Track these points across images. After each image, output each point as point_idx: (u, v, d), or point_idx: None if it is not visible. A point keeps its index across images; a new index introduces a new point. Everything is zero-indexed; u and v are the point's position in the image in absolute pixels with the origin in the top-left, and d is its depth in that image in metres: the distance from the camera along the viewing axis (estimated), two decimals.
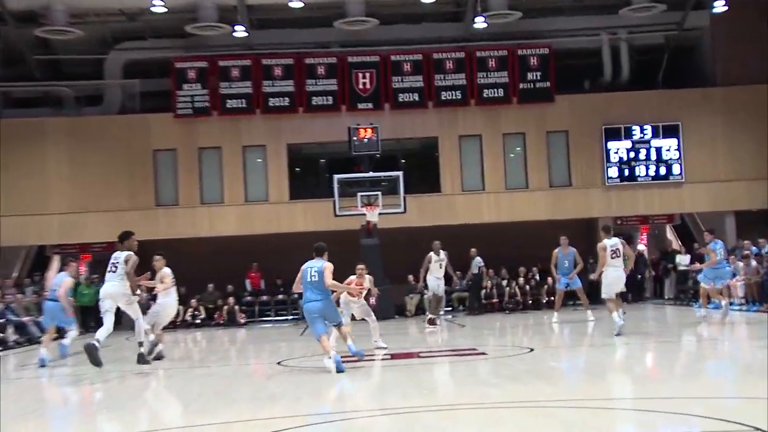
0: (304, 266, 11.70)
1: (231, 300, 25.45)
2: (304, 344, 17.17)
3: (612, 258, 14.78)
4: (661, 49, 28.38)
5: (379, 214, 23.91)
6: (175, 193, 26.71)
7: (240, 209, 26.73)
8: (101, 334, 12.80)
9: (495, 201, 26.97)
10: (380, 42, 27.62)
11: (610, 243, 14.86)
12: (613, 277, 14.79)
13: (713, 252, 16.65)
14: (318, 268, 11.52)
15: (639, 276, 26.55)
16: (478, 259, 23.88)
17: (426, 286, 19.79)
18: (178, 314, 16.73)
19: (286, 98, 26.71)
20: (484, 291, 25.38)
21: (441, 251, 19.06)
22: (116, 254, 13.08)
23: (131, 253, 13.01)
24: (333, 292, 12.03)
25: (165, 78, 27.16)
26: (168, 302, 14.37)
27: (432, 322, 19.02)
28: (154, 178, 26.71)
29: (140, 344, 13.28)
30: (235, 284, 26.35)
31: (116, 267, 12.97)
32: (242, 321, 25.27)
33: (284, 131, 26.93)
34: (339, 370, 11.02)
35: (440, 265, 18.97)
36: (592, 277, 16.00)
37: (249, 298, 26.61)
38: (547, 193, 27.05)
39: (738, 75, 26.77)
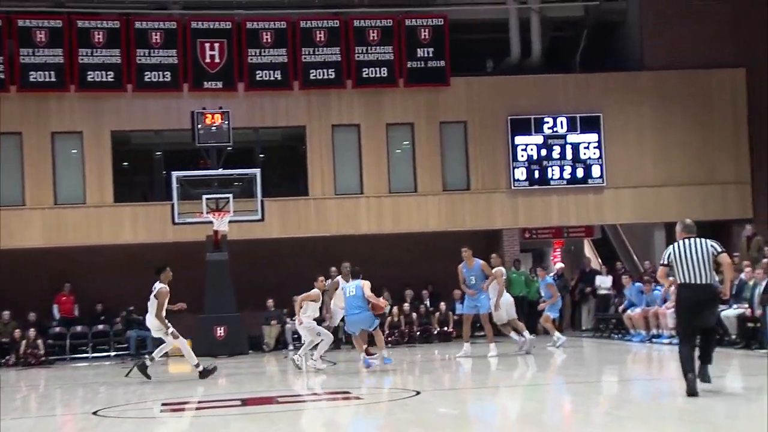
0: (342, 286, 17.82)
1: (32, 332, 24.67)
2: (129, 388, 16.76)
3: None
4: (580, 23, 29.18)
5: (230, 221, 23.79)
6: None
7: (47, 214, 26.13)
8: (156, 352, 17.27)
9: (376, 207, 27.11)
10: (233, 4, 27.39)
11: (504, 270, 19.90)
12: (509, 302, 19.68)
13: (553, 287, 21.49)
14: (356, 285, 16.97)
15: None
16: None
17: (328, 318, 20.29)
18: None
19: (110, 72, 26.19)
20: None
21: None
22: (155, 284, 16.74)
23: (161, 285, 16.57)
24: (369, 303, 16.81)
25: None
26: None
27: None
28: None
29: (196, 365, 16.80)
30: (40, 312, 25.60)
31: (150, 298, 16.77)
32: (47, 359, 24.52)
33: (107, 114, 26.48)
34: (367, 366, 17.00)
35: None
36: (492, 306, 19.18)
37: (58, 329, 25.93)
38: (439, 199, 27.36)
39: (669, 57, 27.73)
